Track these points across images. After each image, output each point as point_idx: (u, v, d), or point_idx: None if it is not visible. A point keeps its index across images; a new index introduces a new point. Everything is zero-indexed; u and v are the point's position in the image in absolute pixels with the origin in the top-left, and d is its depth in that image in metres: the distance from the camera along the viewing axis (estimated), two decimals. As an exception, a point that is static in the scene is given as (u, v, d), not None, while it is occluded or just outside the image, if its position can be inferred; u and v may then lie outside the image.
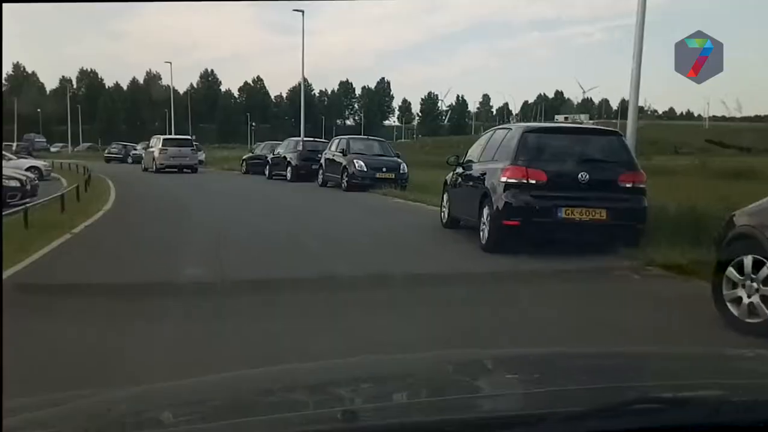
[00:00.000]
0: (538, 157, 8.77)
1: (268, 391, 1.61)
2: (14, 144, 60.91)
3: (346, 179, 19.78)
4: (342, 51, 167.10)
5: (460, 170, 10.85)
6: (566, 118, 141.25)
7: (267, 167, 26.57)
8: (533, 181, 8.55)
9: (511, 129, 9.72)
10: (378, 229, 12.04)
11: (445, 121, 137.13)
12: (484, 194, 9.13)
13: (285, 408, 1.47)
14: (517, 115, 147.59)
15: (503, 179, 8.69)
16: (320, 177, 21.84)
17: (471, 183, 10.01)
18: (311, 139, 26.80)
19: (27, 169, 28.62)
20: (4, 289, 4.68)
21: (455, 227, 10.88)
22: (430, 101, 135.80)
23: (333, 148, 21.53)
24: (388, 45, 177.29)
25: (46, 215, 12.13)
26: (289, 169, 24.39)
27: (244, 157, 31.06)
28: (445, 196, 11.42)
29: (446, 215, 11.28)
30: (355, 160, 19.74)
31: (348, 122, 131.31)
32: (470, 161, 10.50)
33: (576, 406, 1.28)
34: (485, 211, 8.97)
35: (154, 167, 30.11)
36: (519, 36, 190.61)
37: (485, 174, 9.35)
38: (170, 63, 52.51)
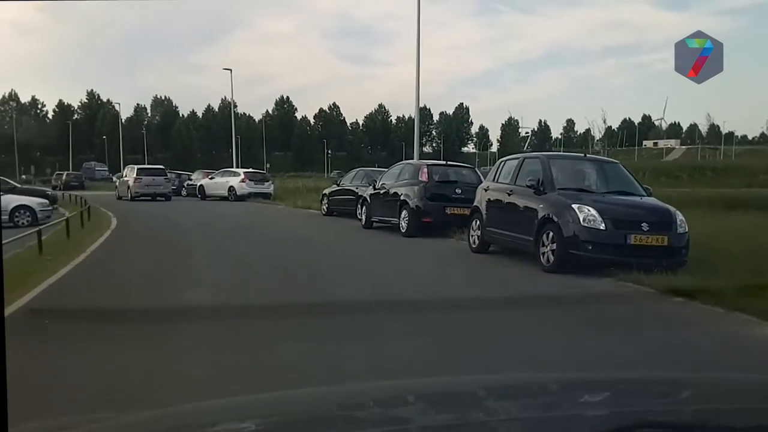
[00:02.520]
0: None
1: (287, 414, 1.46)
2: (64, 173, 52.61)
3: (556, 246, 8.60)
4: (415, 80, 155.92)
5: None
6: (655, 144, 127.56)
7: (362, 208, 15.77)
8: None
9: None
10: None
11: (525, 148, 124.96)
12: None
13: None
14: (600, 140, 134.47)
15: None
16: (475, 233, 10.79)
17: None
18: (441, 162, 15.52)
19: (14, 210, 19.26)
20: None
21: None
22: (510, 127, 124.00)
23: (506, 177, 10.29)
24: (460, 73, 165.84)
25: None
26: (404, 213, 13.44)
27: (325, 192, 20.25)
28: None
29: None
30: (576, 206, 8.55)
31: (426, 149, 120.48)
32: None
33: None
34: None
35: (129, 196, 29.21)
36: (595, 62, 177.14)
37: None
38: (230, 70, 39.71)
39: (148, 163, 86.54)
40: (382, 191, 14.52)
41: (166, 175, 30.67)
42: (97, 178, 58.79)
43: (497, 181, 10.56)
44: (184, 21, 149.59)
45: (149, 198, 28.62)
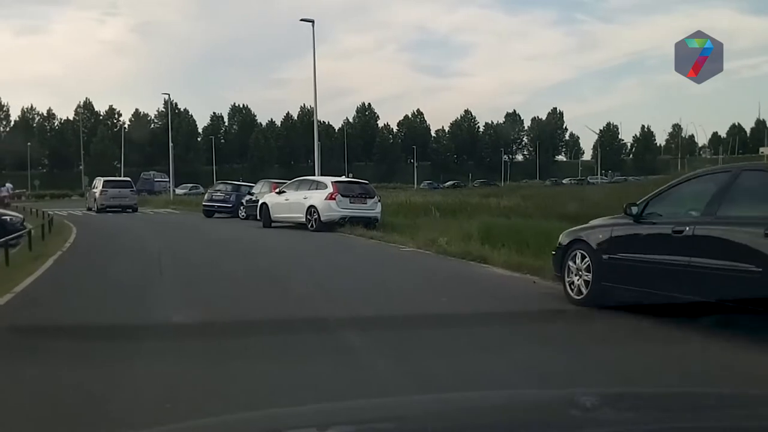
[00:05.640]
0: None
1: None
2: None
3: None
4: (493, 90, 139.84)
5: None
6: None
7: None
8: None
9: None
10: None
11: (629, 156, 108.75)
12: None
13: None
14: (706, 147, 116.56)
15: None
16: None
17: None
18: None
19: None
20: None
21: None
22: (608, 133, 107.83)
23: None
24: (540, 83, 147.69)
25: None
26: None
27: (604, 238, 6.60)
28: None
29: None
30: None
31: (517, 158, 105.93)
32: None
33: None
34: None
35: (96, 207, 28.44)
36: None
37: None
38: (312, 22, 25.43)
39: (217, 174, 75.94)
40: None
41: (132, 188, 30.37)
42: (156, 190, 47.22)
43: None
44: (267, 39, 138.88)
45: (118, 209, 27.76)
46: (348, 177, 20.53)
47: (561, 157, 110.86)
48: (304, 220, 16.83)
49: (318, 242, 14.06)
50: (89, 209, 29.39)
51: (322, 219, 16.45)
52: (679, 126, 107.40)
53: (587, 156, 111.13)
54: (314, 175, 22.70)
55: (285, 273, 9.06)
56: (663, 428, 1.37)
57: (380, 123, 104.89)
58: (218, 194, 24.45)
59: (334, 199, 16.53)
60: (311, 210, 16.71)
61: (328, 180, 17.48)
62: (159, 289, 7.56)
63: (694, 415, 1.49)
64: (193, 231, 17.86)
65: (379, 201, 17.32)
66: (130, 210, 28.28)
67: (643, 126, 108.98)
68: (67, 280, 8.63)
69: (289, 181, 19.14)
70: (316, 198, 16.75)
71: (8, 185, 39.21)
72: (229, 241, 14.21)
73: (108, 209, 27.84)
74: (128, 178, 32.64)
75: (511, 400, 1.76)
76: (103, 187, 29.04)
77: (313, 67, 22.71)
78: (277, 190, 18.68)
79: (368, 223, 16.42)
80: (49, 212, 26.65)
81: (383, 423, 1.45)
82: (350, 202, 16.70)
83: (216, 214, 24.01)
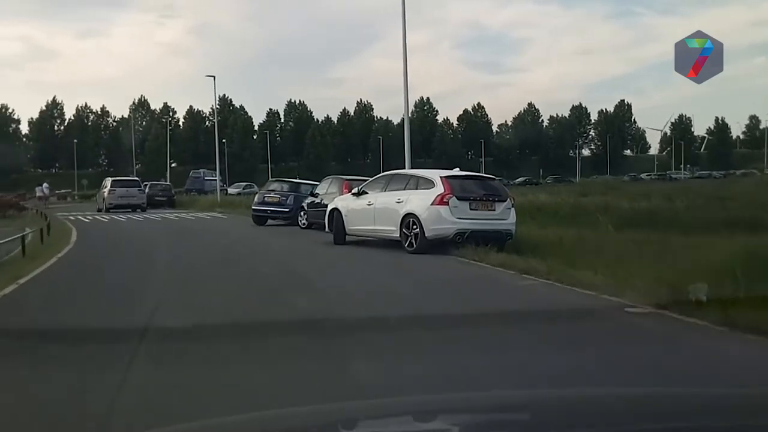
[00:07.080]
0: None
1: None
2: (148, 185, 35.68)
3: None
4: (551, 85, 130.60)
5: None
6: None
7: None
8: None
9: None
10: None
11: (702, 150, 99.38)
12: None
13: None
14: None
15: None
16: None
17: None
18: None
19: None
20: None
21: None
22: (681, 126, 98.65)
23: None
24: (595, 77, 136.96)
25: None
26: None
27: None
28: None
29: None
30: None
31: (584, 152, 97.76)
32: None
33: None
34: None
35: (104, 207, 28.01)
36: (742, 62, 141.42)
37: None
38: None
39: (272, 172, 70.93)
40: None
41: (140, 187, 29.81)
42: (207, 189, 42.04)
43: None
44: (321, 39, 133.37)
45: (127, 209, 27.25)
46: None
47: (628, 152, 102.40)
48: (398, 235, 10.84)
49: (437, 282, 8.02)
50: (99, 210, 28.50)
51: (427, 234, 10.40)
52: (757, 118, 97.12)
53: (653, 150, 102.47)
54: (405, 166, 16.54)
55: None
56: (662, 428, 1.32)
57: (439, 119, 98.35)
58: (272, 195, 18.50)
59: (447, 203, 10.44)
60: (409, 220, 10.68)
61: (434, 175, 11.29)
62: None
63: (694, 416, 1.44)
64: (231, 254, 12.05)
65: (512, 206, 11.09)
66: (139, 210, 27.70)
67: (716, 118, 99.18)
68: None
69: (372, 178, 13.05)
70: (417, 202, 10.70)
71: (44, 185, 34.87)
72: (286, 285, 8.26)
73: (116, 208, 27.43)
74: (137, 178, 32.33)
75: (511, 400, 1.73)
76: (111, 186, 28.85)
77: (402, 33, 16.61)
78: (354, 190, 12.68)
79: (498, 239, 10.30)
80: (71, 216, 21.88)
81: (383, 423, 1.41)
82: (470, 208, 10.58)
83: (269, 221, 18.29)
